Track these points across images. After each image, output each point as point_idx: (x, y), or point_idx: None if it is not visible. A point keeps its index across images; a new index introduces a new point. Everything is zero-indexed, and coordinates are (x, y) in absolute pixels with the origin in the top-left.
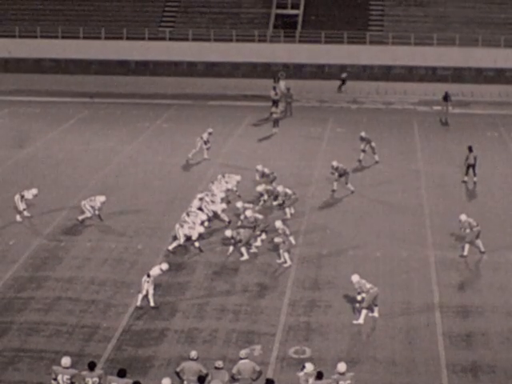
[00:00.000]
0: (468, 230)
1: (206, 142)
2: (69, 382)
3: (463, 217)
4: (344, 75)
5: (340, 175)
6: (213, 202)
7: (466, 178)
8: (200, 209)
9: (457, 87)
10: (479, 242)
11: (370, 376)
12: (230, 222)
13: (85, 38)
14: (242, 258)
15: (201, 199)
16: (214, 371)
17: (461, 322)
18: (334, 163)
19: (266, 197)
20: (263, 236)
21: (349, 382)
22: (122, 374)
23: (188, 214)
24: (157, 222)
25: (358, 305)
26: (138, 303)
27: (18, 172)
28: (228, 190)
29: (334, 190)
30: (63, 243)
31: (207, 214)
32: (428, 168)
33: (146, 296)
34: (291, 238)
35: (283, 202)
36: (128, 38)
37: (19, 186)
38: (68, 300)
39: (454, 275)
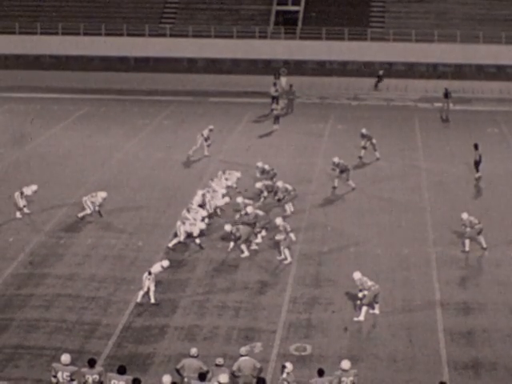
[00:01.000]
0: (468, 229)
1: (206, 139)
2: (69, 378)
3: (465, 215)
4: (381, 72)
5: (341, 171)
6: (213, 198)
7: (477, 175)
8: (201, 205)
9: (458, 84)
10: (481, 238)
11: (370, 373)
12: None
13: (85, 34)
14: (243, 255)
15: (203, 195)
16: (215, 368)
17: (462, 318)
18: (336, 159)
19: (265, 193)
20: (263, 233)
21: (351, 378)
22: (122, 370)
23: (188, 211)
24: (157, 218)
25: (359, 302)
26: (139, 300)
27: (18, 169)
28: (228, 187)
29: (334, 187)
30: (63, 240)
31: (208, 211)
32: (429, 165)
33: (146, 293)
34: (292, 235)
35: (283, 197)
36: (128, 35)
37: (19, 183)
38: (68, 297)
39: (455, 272)
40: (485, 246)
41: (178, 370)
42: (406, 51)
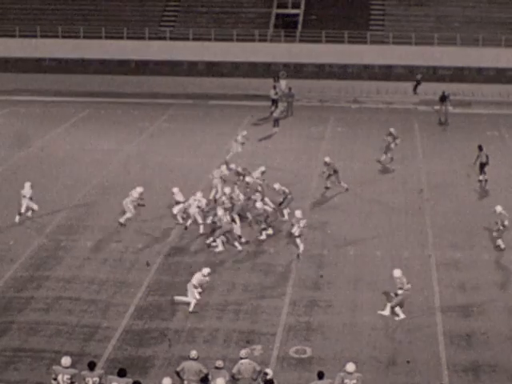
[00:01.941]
0: (500, 222)
1: (242, 144)
2: (69, 381)
3: (498, 208)
4: (419, 76)
5: (334, 171)
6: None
7: (481, 177)
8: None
9: (457, 87)
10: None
11: (370, 376)
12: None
13: (85, 37)
14: (217, 250)
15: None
16: (215, 371)
17: (461, 321)
18: (327, 159)
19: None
20: (270, 231)
21: (354, 381)
22: (122, 373)
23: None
24: (157, 221)
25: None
26: (191, 309)
27: (19, 172)
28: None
29: (327, 187)
30: (63, 243)
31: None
32: (429, 167)
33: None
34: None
35: (283, 200)
36: (128, 38)
37: (20, 186)
38: (68, 300)
39: (454, 275)
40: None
41: (177, 373)
42: (406, 54)
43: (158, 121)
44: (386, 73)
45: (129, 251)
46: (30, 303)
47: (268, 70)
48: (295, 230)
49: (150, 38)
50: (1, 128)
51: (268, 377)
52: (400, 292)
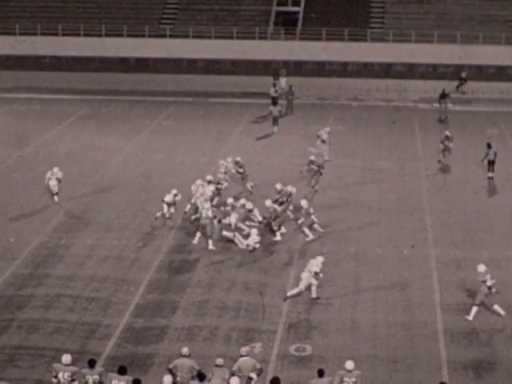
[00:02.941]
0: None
1: (324, 141)
2: (69, 379)
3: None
4: (464, 74)
5: (318, 168)
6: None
7: (490, 174)
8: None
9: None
10: None
11: (370, 373)
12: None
13: (85, 35)
14: (209, 247)
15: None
16: (215, 369)
17: (462, 319)
18: (312, 157)
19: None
20: (283, 229)
21: (354, 379)
22: (122, 371)
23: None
24: (157, 219)
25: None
26: (314, 295)
27: (19, 170)
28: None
29: (313, 187)
30: (63, 241)
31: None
32: (429, 165)
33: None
34: (313, 217)
35: (282, 201)
36: (128, 36)
37: (20, 185)
38: (68, 297)
39: (454, 272)
40: None
41: (170, 370)
42: (406, 52)
43: (158, 119)
44: (386, 70)
45: (129, 249)
46: (30, 301)
47: (268, 68)
48: (302, 221)
49: (150, 36)
50: (1, 126)
51: (253, 382)
52: (483, 288)
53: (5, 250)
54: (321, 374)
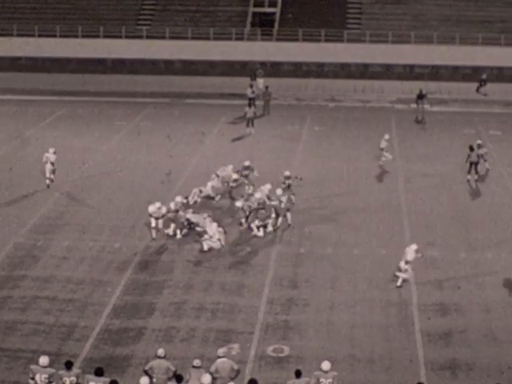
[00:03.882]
0: None
1: (383, 149)
2: (46, 381)
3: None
4: (484, 76)
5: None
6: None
7: (469, 177)
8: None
9: (434, 85)
10: None
11: (348, 374)
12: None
13: (62, 36)
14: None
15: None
16: (192, 370)
17: (439, 319)
18: (287, 173)
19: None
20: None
21: (330, 380)
22: (99, 372)
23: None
24: (134, 220)
25: None
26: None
27: None
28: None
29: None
30: (40, 242)
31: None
32: (405, 166)
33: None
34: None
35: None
36: (105, 36)
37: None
38: (45, 299)
39: (431, 273)
40: None
41: (146, 372)
42: (383, 52)
43: (135, 119)
44: (363, 71)
45: (105, 250)
46: (7, 303)
47: (245, 69)
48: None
49: (127, 37)
50: None
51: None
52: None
53: None
54: (298, 374)
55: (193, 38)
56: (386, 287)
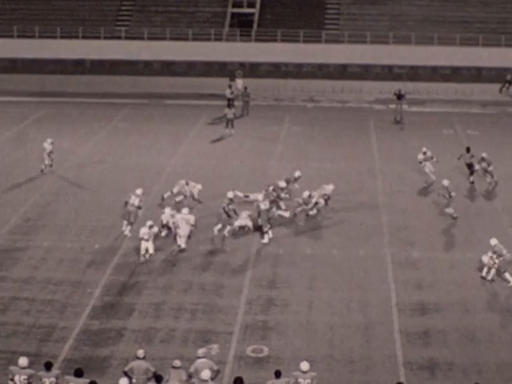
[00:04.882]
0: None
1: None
2: (26, 382)
3: (445, 182)
4: (509, 77)
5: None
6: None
7: (471, 179)
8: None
9: (413, 85)
10: None
11: (327, 374)
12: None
13: (40, 37)
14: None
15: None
16: (172, 370)
17: (418, 319)
18: (282, 184)
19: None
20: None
21: (309, 381)
22: (78, 373)
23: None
24: (113, 221)
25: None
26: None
27: None
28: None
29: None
30: (19, 243)
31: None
32: (384, 166)
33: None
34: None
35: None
36: (84, 37)
37: None
38: (24, 300)
39: (410, 273)
40: None
41: (126, 373)
42: (361, 53)
43: (114, 120)
44: (342, 71)
45: (85, 251)
46: None
47: (224, 70)
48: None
49: (106, 38)
50: None
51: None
52: (498, 260)
53: None
54: (278, 375)
55: (171, 39)
56: (364, 287)
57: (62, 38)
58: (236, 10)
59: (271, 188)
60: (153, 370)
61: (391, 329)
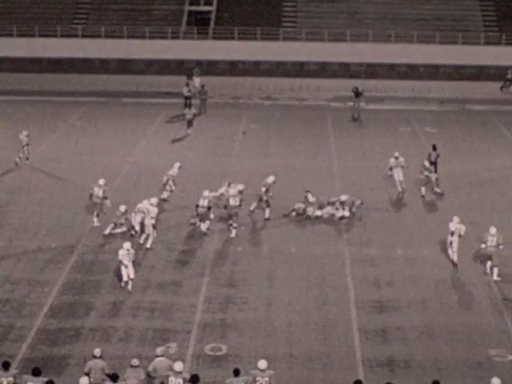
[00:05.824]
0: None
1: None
2: None
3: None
4: (510, 75)
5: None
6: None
7: (436, 176)
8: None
9: (370, 83)
10: None
11: (286, 372)
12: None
13: None
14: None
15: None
16: (130, 369)
17: (376, 316)
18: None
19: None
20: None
21: (267, 379)
22: (36, 372)
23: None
24: (70, 220)
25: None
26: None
27: None
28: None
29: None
30: None
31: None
32: (342, 164)
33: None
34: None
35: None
36: (40, 35)
37: None
38: None
39: (368, 270)
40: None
41: (87, 374)
42: (319, 51)
43: (71, 119)
44: (299, 69)
45: (42, 250)
46: None
47: (181, 68)
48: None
49: (62, 36)
50: None
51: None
52: (483, 246)
53: None
54: (236, 373)
55: (128, 37)
56: (322, 285)
57: (18, 36)
58: (193, 8)
59: (264, 189)
60: (107, 371)
61: (350, 326)
